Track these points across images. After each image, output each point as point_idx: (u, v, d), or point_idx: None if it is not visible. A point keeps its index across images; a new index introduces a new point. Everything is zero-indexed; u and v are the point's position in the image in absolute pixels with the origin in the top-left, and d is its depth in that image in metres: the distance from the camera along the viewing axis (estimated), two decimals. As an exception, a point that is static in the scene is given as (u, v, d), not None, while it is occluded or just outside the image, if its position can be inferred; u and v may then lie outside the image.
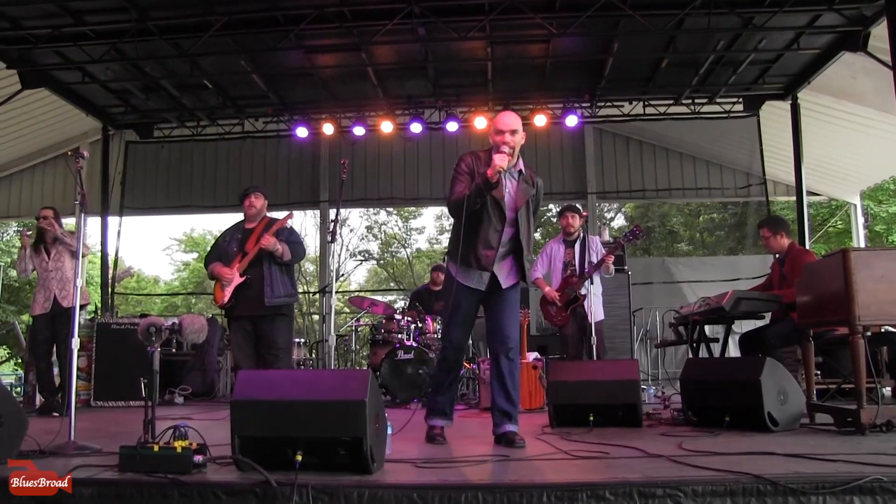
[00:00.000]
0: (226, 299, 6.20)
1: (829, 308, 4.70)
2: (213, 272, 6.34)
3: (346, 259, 29.27)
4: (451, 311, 4.61)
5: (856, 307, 4.30)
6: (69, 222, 7.96)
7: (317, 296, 13.10)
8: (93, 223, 14.17)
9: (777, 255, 6.78)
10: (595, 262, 7.25)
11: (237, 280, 6.15)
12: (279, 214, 6.64)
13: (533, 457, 3.84)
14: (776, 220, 6.89)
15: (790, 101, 11.54)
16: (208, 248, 7.02)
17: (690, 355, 7.03)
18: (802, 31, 9.68)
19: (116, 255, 14.10)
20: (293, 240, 6.44)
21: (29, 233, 7.55)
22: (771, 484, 2.85)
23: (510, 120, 4.60)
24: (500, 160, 4.34)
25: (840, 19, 9.21)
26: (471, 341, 9.90)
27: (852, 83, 10.51)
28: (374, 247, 30.99)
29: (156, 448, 3.21)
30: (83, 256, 5.25)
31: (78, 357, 4.43)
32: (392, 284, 30.25)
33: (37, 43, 9.82)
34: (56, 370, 7.58)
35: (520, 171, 4.64)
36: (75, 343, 4.38)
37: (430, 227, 33.65)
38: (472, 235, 4.53)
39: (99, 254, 14.23)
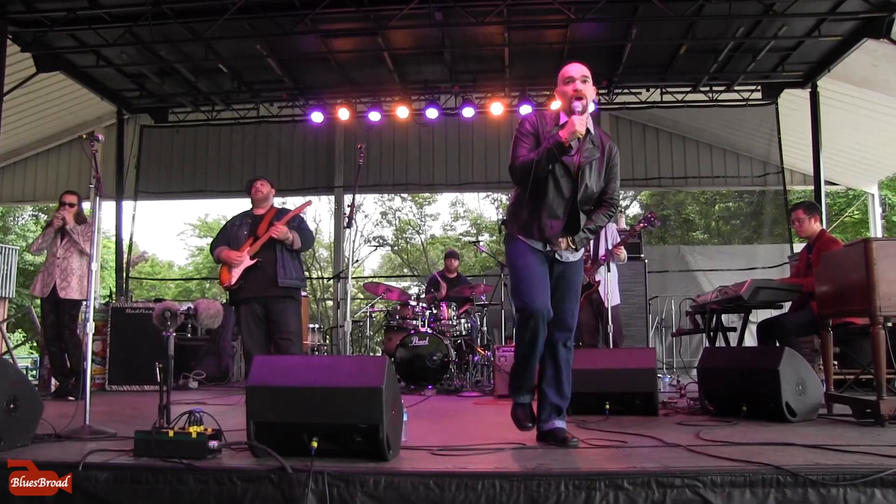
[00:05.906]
0: (233, 281, 6.23)
1: (849, 298, 4.66)
2: (221, 256, 6.37)
3: (360, 245, 29.33)
4: (522, 273, 3.95)
5: (877, 297, 4.27)
6: (85, 206, 7.93)
7: (331, 281, 13.07)
8: (107, 207, 14.30)
9: (804, 241, 6.74)
10: (611, 248, 7.24)
11: (246, 262, 6.19)
12: (294, 199, 6.64)
13: (549, 445, 3.81)
14: (811, 204, 6.85)
15: (809, 89, 11.41)
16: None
17: (706, 344, 7.00)
18: (824, 17, 9.52)
19: (131, 239, 14.17)
20: (303, 227, 6.50)
21: (62, 217, 7.37)
22: (791, 475, 2.83)
23: (582, 67, 3.99)
24: (580, 124, 3.76)
25: (863, 5, 9.08)
26: (485, 327, 9.88)
27: (873, 71, 10.38)
28: (388, 233, 30.96)
29: (171, 433, 3.21)
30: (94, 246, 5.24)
31: (93, 341, 4.43)
32: (406, 270, 30.22)
33: (52, 26, 9.82)
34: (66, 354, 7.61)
35: (587, 131, 3.93)
36: (90, 328, 4.39)
37: (445, 213, 33.65)
38: (537, 204, 3.95)
39: (114, 238, 14.27)
